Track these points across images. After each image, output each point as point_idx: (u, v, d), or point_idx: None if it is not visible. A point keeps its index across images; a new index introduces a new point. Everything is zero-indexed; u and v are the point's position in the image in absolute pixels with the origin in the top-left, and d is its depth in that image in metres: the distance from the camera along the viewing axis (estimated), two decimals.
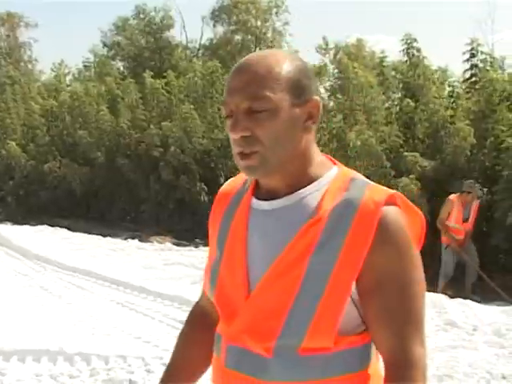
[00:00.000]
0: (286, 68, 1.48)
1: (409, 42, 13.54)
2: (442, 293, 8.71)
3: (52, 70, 28.03)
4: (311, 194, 1.50)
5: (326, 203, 1.46)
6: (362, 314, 1.48)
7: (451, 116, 12.38)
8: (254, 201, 1.58)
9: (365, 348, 1.49)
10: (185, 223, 16.50)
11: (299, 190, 1.51)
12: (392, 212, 1.45)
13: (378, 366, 1.55)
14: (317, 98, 1.51)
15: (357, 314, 1.48)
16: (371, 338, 1.49)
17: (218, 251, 1.62)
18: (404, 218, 1.48)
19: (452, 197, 9.43)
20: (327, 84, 19.89)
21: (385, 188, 1.50)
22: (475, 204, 9.46)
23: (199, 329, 1.79)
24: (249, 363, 1.51)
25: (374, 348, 1.51)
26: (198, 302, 1.86)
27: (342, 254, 1.42)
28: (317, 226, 1.44)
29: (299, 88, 1.48)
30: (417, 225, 1.57)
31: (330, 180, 1.52)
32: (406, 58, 13.76)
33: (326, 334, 1.43)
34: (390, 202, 1.46)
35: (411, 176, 11.02)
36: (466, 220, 9.42)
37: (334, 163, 1.59)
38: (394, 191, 1.50)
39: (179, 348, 1.82)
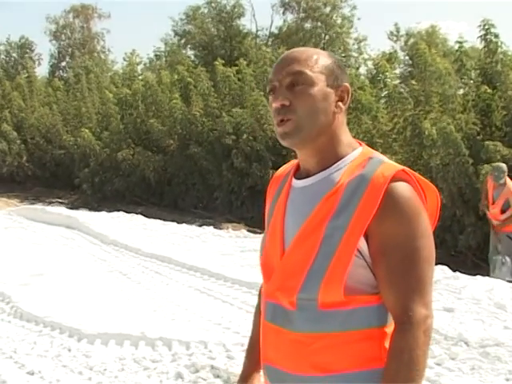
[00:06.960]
0: (322, 57, 1.79)
1: (486, 27, 13.11)
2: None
3: (124, 59, 28.35)
4: (336, 172, 1.75)
5: (344, 178, 1.71)
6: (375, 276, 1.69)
7: None
8: (294, 180, 1.86)
9: (381, 307, 1.70)
10: (256, 211, 16.53)
11: (327, 168, 1.76)
12: (399, 185, 1.66)
13: None
14: (347, 84, 1.80)
15: (371, 276, 1.70)
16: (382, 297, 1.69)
17: (267, 226, 1.92)
18: (411, 190, 1.68)
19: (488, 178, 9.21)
20: (397, 71, 19.56)
21: (396, 164, 1.71)
22: (505, 188, 8.98)
23: None
24: (280, 316, 1.78)
25: None
26: None
27: (352, 220, 1.65)
28: (334, 197, 1.70)
29: (333, 74, 1.77)
30: (432, 199, 1.78)
31: (353, 159, 1.76)
32: (483, 44, 13.32)
33: (336, 289, 1.66)
34: (399, 176, 1.67)
35: (493, 164, 10.68)
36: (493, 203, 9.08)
37: (360, 144, 1.82)
38: (403, 167, 1.70)
39: (255, 321, 2.07)
